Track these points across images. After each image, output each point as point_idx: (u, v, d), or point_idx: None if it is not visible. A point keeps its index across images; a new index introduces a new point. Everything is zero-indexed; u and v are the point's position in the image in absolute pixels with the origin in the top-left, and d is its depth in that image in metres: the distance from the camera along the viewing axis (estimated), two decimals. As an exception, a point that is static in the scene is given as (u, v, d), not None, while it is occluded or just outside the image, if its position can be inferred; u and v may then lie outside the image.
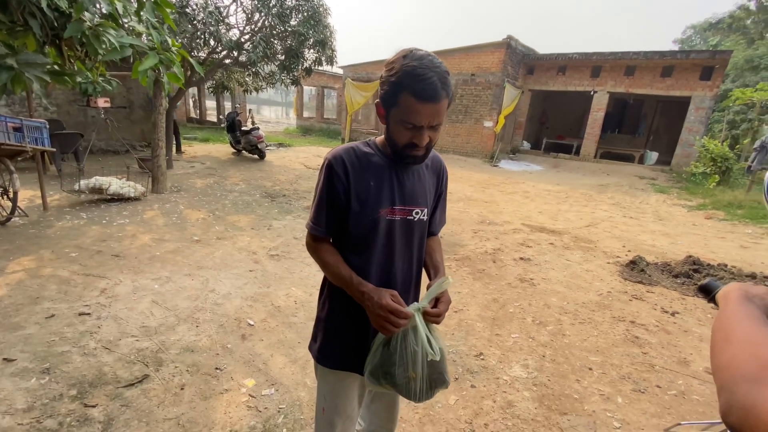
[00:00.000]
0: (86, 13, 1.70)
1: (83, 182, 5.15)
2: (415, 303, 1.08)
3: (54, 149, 5.15)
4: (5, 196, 4.37)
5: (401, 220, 1.12)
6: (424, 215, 1.17)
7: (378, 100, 1.05)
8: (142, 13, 2.12)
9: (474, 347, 2.67)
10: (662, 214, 7.21)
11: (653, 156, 13.44)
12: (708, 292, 0.64)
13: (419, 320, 1.07)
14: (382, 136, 1.13)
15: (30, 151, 4.41)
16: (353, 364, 1.17)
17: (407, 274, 1.20)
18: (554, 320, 3.09)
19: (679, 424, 0.83)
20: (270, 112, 48.55)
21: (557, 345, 2.74)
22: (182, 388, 2.12)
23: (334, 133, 18.52)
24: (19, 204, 4.41)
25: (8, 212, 4.27)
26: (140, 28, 1.87)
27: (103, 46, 1.70)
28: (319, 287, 1.28)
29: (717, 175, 9.70)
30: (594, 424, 2.04)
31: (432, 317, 1.08)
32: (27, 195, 5.31)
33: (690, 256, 4.40)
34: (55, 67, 2.18)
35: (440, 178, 1.25)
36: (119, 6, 2.04)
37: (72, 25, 1.63)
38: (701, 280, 0.68)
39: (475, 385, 2.29)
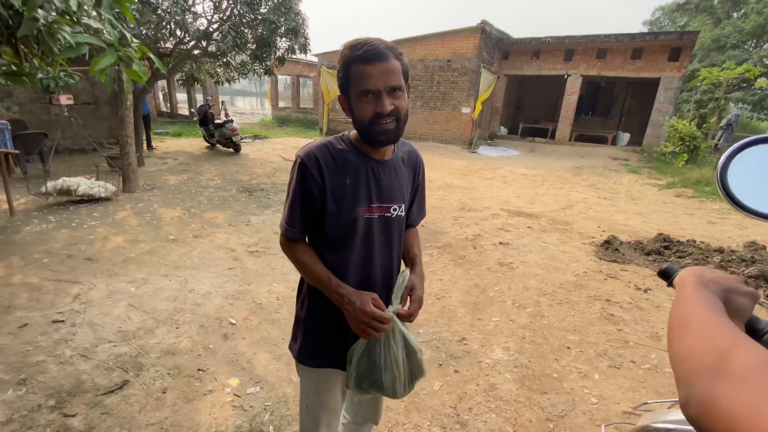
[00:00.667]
0: (40, 11, 1.60)
1: (50, 184, 4.93)
2: (390, 306, 1.08)
3: (17, 151, 4.90)
4: (-35, 202, 4.15)
5: (379, 218, 1.12)
6: (402, 211, 1.16)
7: (339, 96, 1.05)
8: (100, 10, 2.01)
9: (457, 333, 2.72)
10: (634, 194, 7.45)
11: (625, 137, 13.80)
12: (667, 277, 0.65)
13: (397, 321, 1.09)
14: (356, 132, 1.12)
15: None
16: (334, 360, 1.17)
17: (387, 270, 1.20)
18: (533, 302, 3.18)
19: (646, 404, 0.85)
20: (244, 103, 47.38)
21: (536, 326, 2.83)
22: (164, 392, 2.10)
23: (311, 123, 18.23)
24: (-20, 210, 4.20)
25: (-31, 219, 4.06)
26: (97, 24, 1.77)
27: (58, 44, 1.61)
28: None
29: (685, 154, 10.05)
30: (573, 401, 2.13)
31: (405, 318, 1.10)
32: (-11, 199, 5.05)
33: (661, 234, 4.58)
34: (12, 67, 2.06)
35: (416, 171, 1.25)
36: (73, 2, 1.93)
37: (25, 23, 1.54)
38: (662, 265, 0.69)
39: (458, 370, 2.34)
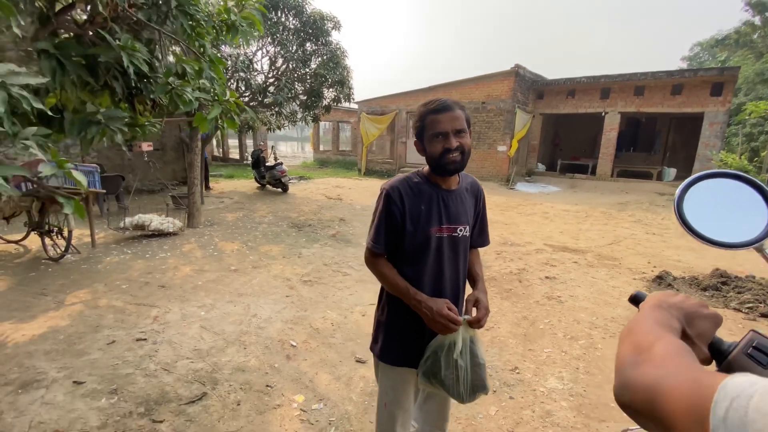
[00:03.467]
0: (170, 78, 2.03)
1: (128, 220, 5.54)
2: (462, 317, 1.27)
3: (104, 191, 5.59)
4: (59, 235, 4.75)
5: (448, 237, 1.35)
6: (466, 231, 1.39)
7: (414, 141, 1.35)
8: (206, 72, 2.46)
9: (509, 362, 2.76)
10: (686, 230, 7.17)
11: (671, 172, 13.37)
12: (636, 303, 0.66)
13: (468, 331, 1.27)
14: (428, 168, 1.37)
15: (85, 194, 4.82)
16: (411, 359, 1.35)
17: (455, 281, 1.40)
18: (585, 335, 3.16)
19: (628, 430, 0.91)
20: (286, 147, 50.25)
21: (590, 358, 2.81)
22: (239, 404, 2.29)
23: (350, 164, 19.07)
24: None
25: (62, 250, 4.63)
26: (209, 85, 2.19)
27: (181, 101, 2.01)
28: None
29: (739, 189, 9.58)
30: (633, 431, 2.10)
31: (474, 323, 1.28)
32: (75, 234, 5.71)
33: (717, 269, 4.41)
34: (131, 119, 2.52)
35: (478, 199, 1.48)
36: (188, 68, 2.39)
37: (159, 86, 1.95)
38: (632, 292, 0.75)
39: (513, 396, 2.38)
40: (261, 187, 10.68)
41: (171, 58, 2.23)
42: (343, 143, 22.62)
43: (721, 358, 0.55)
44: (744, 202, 0.68)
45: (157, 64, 2.39)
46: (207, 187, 10.03)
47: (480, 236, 1.53)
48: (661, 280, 4.35)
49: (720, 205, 0.70)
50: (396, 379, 1.40)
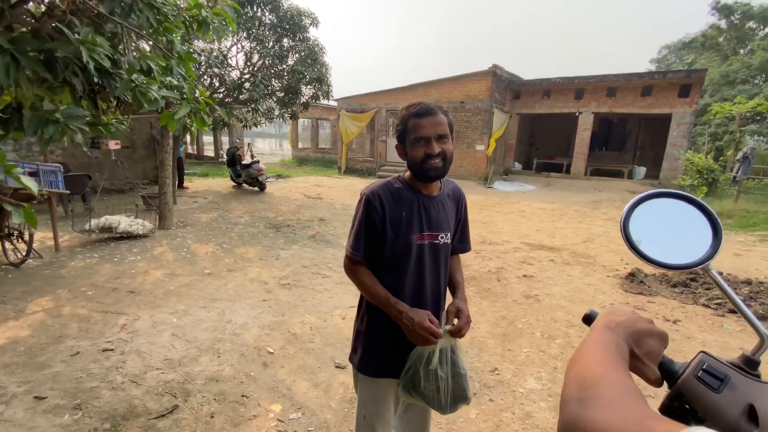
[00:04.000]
0: (134, 75, 1.91)
1: (93, 222, 5.27)
2: (442, 327, 1.23)
3: (68, 191, 5.31)
4: (20, 239, 4.48)
5: (429, 244, 1.31)
6: (448, 239, 1.36)
7: (396, 144, 1.31)
8: (176, 69, 2.34)
9: (488, 363, 2.77)
10: (656, 227, 7.42)
11: (641, 171, 13.86)
12: (590, 322, 0.66)
13: (449, 341, 1.24)
14: (410, 173, 1.33)
15: (45, 194, 4.55)
16: (391, 370, 1.31)
17: (436, 290, 1.37)
18: (562, 333, 3.21)
19: None
20: (264, 144, 49.31)
21: (567, 357, 2.85)
22: (212, 417, 2.20)
23: (329, 162, 18.89)
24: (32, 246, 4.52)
25: (23, 254, 4.37)
26: (176, 82, 2.08)
27: (146, 100, 1.90)
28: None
29: (704, 187, 10.03)
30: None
31: (455, 333, 1.25)
32: (38, 237, 5.40)
33: (686, 266, 4.57)
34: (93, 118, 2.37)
35: (460, 204, 1.45)
36: (153, 64, 2.26)
37: (122, 84, 1.83)
38: (586, 311, 0.74)
39: (493, 398, 2.38)
40: (237, 186, 10.42)
41: (136, 54, 2.10)
42: (322, 141, 22.38)
43: (672, 379, 0.53)
44: (689, 223, 0.67)
45: (123, 59, 2.27)
46: (181, 186, 9.71)
47: (461, 242, 1.51)
48: (633, 277, 4.47)
49: (666, 225, 0.69)
50: (376, 391, 1.36)
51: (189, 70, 2.43)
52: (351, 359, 1.42)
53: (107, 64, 2.04)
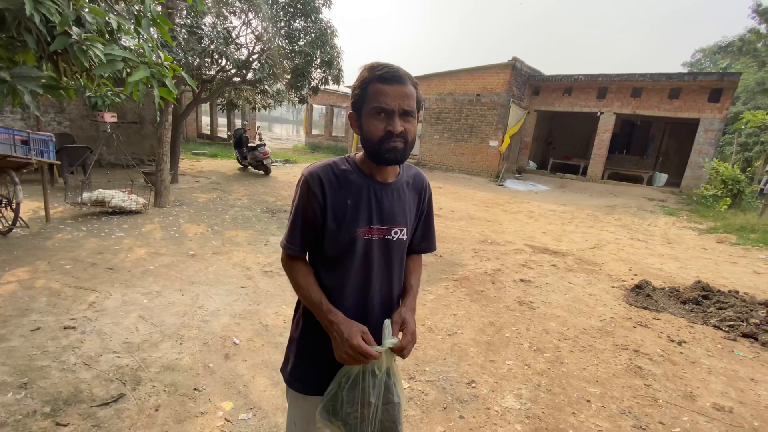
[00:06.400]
0: (74, 28, 1.72)
1: (86, 195, 5.20)
2: (379, 346, 1.01)
3: (58, 162, 5.23)
4: (8, 207, 4.42)
5: (379, 240, 1.09)
6: (403, 235, 1.13)
7: (350, 112, 1.06)
8: (140, 30, 2.15)
9: (466, 374, 2.55)
10: (671, 237, 7.03)
11: (662, 178, 13.24)
12: None
13: (384, 361, 1.02)
14: (361, 153, 1.11)
15: (35, 163, 4.47)
16: (323, 387, 1.10)
17: (386, 296, 1.15)
18: (552, 347, 2.96)
19: None
20: (281, 129, 49.47)
21: (554, 374, 2.61)
22: (157, 410, 2.05)
23: (341, 150, 18.69)
24: (22, 215, 4.46)
25: (10, 223, 4.31)
26: (132, 42, 1.89)
27: (90, 60, 1.71)
28: None
29: (728, 198, 9.48)
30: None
31: (398, 352, 1.04)
32: (32, 206, 5.38)
33: (699, 282, 4.23)
34: (52, 81, 2.20)
35: (422, 196, 1.21)
36: (113, 22, 2.07)
37: (58, 38, 1.65)
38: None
39: (463, 415, 2.17)
40: (243, 168, 10.31)
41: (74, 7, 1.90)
42: (337, 129, 22.14)
43: None
44: None
45: (90, 20, 2.08)
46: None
47: (424, 241, 1.28)
48: (640, 289, 4.16)
49: None
50: (306, 410, 1.15)
51: (165, 34, 2.24)
52: (282, 370, 1.22)
53: (56, 19, 1.86)
